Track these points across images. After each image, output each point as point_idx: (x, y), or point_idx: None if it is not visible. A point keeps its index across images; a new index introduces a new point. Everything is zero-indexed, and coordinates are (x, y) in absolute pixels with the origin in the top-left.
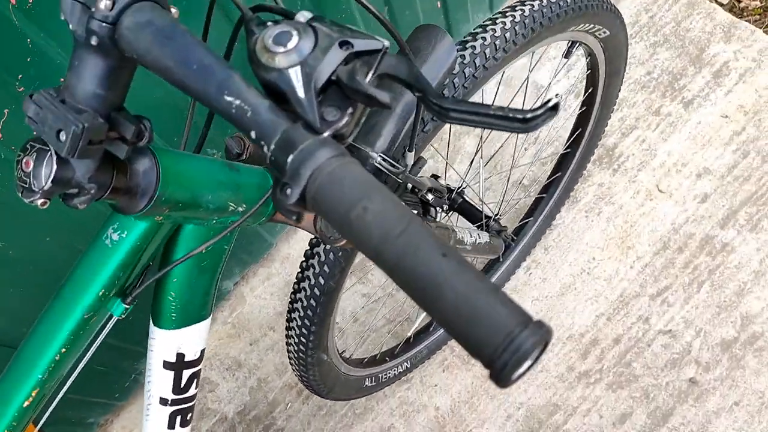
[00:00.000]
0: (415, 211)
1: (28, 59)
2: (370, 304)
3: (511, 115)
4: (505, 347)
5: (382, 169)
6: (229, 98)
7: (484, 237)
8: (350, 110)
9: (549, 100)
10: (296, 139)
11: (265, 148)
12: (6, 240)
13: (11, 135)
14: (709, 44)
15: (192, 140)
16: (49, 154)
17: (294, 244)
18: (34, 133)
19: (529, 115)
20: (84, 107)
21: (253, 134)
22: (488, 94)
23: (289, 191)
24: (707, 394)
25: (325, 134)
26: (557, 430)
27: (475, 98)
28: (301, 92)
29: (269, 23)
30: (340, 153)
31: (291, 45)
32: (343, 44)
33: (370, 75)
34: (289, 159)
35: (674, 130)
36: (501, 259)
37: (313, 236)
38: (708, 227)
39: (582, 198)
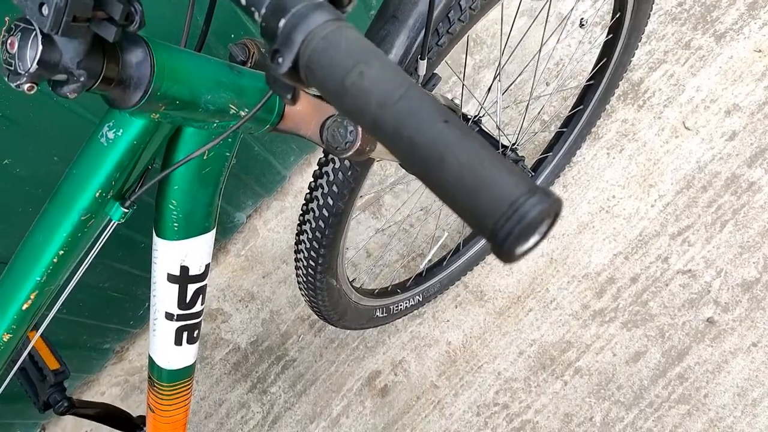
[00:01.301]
0: None
1: None
2: (383, 239)
3: None
4: (509, 216)
5: None
6: None
7: None
8: None
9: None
10: (288, 2)
11: (256, 15)
12: (14, 157)
13: None
14: None
15: (192, 42)
16: (34, 33)
17: (308, 178)
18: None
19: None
20: None
21: (243, 0)
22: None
23: (280, 59)
24: (725, 334)
25: None
26: (569, 367)
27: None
28: None
29: None
30: (335, 17)
31: None
32: None
33: None
34: (281, 23)
35: (704, 65)
36: None
37: (323, 155)
38: (734, 166)
39: (604, 134)
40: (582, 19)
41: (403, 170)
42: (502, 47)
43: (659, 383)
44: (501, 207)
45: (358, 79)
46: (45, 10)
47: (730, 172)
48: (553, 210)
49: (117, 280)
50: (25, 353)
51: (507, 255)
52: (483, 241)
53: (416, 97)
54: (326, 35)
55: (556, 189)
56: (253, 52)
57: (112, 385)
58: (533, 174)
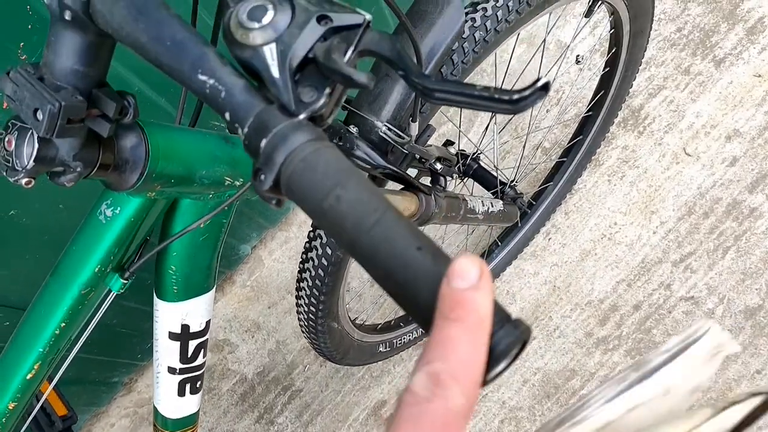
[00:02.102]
0: (426, 180)
1: (29, 26)
2: None
3: (497, 96)
4: None
5: (387, 138)
6: (203, 77)
7: (498, 205)
8: (328, 91)
9: (538, 80)
10: (270, 122)
11: (240, 131)
12: (20, 207)
13: None
14: None
15: (187, 115)
16: (30, 132)
17: None
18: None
19: (516, 96)
20: (63, 84)
21: (227, 116)
22: (506, 54)
23: (263, 177)
24: (728, 361)
25: (301, 116)
26: (574, 395)
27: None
28: (275, 72)
29: None
30: (315, 137)
31: (266, 20)
32: (321, 19)
33: (349, 52)
34: (263, 143)
35: (704, 90)
36: (519, 224)
37: None
38: (736, 192)
39: (605, 161)
40: (578, 55)
41: None
42: (503, 77)
43: None
44: None
45: (335, 202)
46: (39, 115)
47: (731, 198)
48: (520, 340)
49: (124, 317)
50: (38, 406)
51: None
52: None
53: (391, 223)
54: (305, 157)
55: (558, 217)
56: None
57: (121, 416)
58: (533, 203)
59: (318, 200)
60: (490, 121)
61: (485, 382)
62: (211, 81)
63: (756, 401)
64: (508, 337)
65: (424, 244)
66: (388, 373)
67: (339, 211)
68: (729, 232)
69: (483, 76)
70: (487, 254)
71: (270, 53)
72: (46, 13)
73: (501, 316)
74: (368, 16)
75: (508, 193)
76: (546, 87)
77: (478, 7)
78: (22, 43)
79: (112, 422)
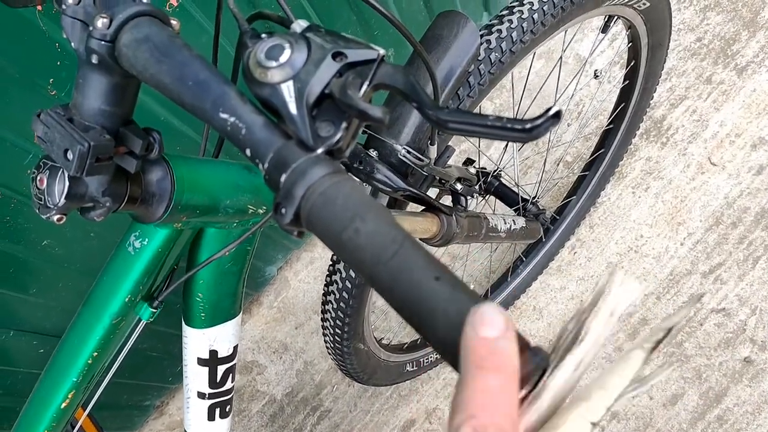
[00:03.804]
0: (447, 201)
1: (58, 63)
2: None
3: (509, 125)
4: None
5: (407, 161)
6: (224, 115)
7: (520, 222)
8: (344, 125)
9: (549, 109)
10: (289, 158)
11: (260, 167)
12: (51, 238)
13: None
14: (764, 6)
15: (211, 146)
16: (61, 170)
17: None
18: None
19: (528, 125)
20: (91, 124)
21: (248, 152)
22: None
23: (284, 211)
24: (763, 373)
25: (319, 151)
26: (606, 412)
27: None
28: (293, 108)
29: (264, 35)
30: (333, 171)
31: (283, 59)
32: (336, 55)
33: (364, 87)
34: (282, 179)
35: (727, 99)
36: (544, 239)
37: None
38: (764, 200)
39: (628, 173)
40: (597, 70)
41: None
42: (517, 106)
43: (698, 426)
44: None
45: (354, 235)
46: (69, 155)
47: (759, 207)
48: (540, 368)
49: (155, 341)
50: (78, 425)
51: None
52: (510, 288)
53: (409, 254)
54: (324, 191)
55: (583, 231)
56: None
57: None
58: (557, 218)
59: (337, 233)
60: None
61: None
62: (232, 119)
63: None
64: (528, 365)
65: (442, 274)
66: (416, 392)
67: (358, 243)
68: (758, 242)
69: (502, 91)
70: (512, 270)
71: (287, 90)
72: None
73: (521, 344)
74: (382, 51)
75: (530, 210)
76: (558, 115)
77: (493, 29)
78: (51, 79)
79: None
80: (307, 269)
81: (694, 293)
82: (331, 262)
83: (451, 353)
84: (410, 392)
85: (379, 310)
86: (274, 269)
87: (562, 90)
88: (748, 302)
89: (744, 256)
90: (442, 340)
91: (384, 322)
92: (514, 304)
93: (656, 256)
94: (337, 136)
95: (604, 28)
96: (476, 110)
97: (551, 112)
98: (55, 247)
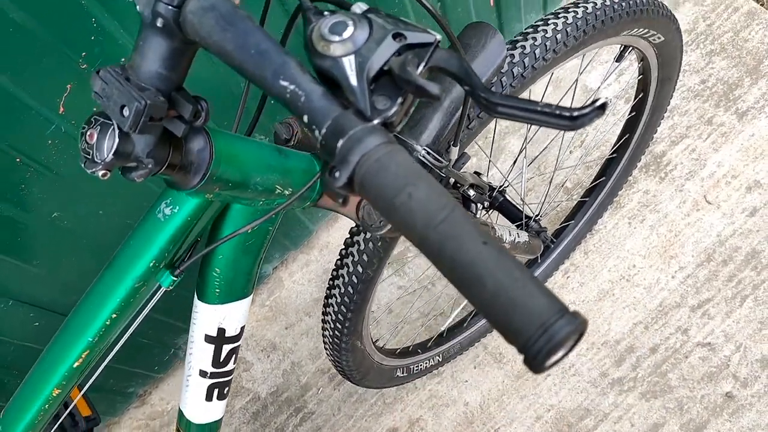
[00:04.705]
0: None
1: (93, 38)
2: (405, 296)
3: (558, 112)
4: (539, 336)
5: (426, 162)
6: (284, 83)
7: (523, 237)
8: (400, 100)
9: (597, 100)
10: (346, 125)
11: (317, 132)
12: (62, 210)
13: (73, 110)
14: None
15: (243, 125)
16: (111, 128)
17: (333, 233)
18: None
19: (576, 113)
20: (146, 85)
21: (305, 118)
22: (536, 95)
23: (337, 174)
24: (743, 410)
25: (375, 122)
26: None
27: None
28: (353, 80)
29: (326, 13)
30: (388, 140)
31: (346, 35)
32: (397, 36)
33: (421, 67)
34: (339, 144)
35: (726, 141)
36: (539, 260)
37: (354, 224)
38: (755, 241)
39: (626, 204)
40: (606, 98)
41: None
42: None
43: None
44: (532, 327)
45: (406, 199)
46: (126, 111)
47: (750, 248)
48: (579, 330)
49: (146, 327)
50: (71, 407)
51: (537, 368)
52: None
53: (459, 220)
54: (379, 158)
55: (577, 256)
56: (297, 131)
57: (133, 428)
58: (554, 240)
59: (390, 197)
60: (519, 154)
61: (543, 370)
62: (292, 87)
63: None
64: (567, 327)
65: (489, 240)
66: (401, 400)
67: (410, 207)
68: (747, 281)
69: None
70: None
71: (349, 64)
72: (111, 27)
73: (560, 307)
74: (438, 36)
75: (532, 227)
76: (604, 107)
77: (518, 45)
78: (84, 53)
79: None
80: (303, 271)
81: (681, 326)
82: (339, 256)
83: (496, 314)
84: (395, 400)
85: (370, 317)
86: (270, 268)
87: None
88: (734, 339)
89: (732, 293)
90: (488, 301)
91: (375, 329)
92: None
93: (647, 287)
94: (393, 110)
95: (619, 57)
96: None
97: (597, 104)
98: (64, 221)
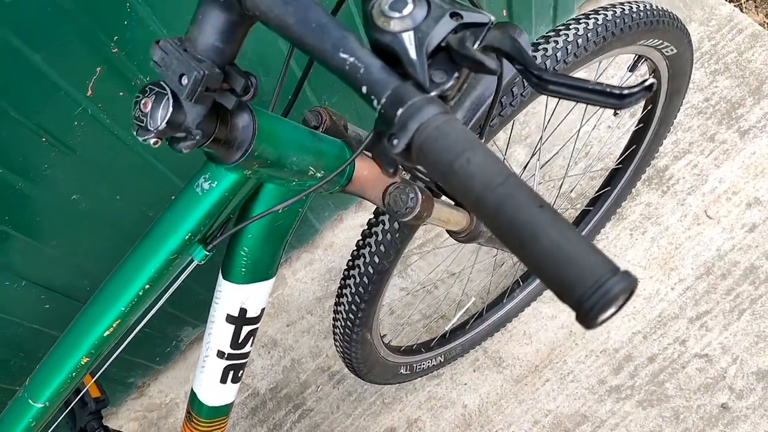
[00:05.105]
0: None
1: (126, 22)
2: (407, 298)
3: (608, 90)
4: (594, 291)
5: None
6: (344, 55)
7: None
8: (456, 74)
9: (645, 80)
10: (406, 96)
11: (375, 102)
12: (81, 193)
13: (100, 93)
14: None
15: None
16: (166, 97)
17: (338, 233)
18: (148, 79)
19: (625, 92)
20: (203, 58)
21: (364, 89)
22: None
23: (395, 141)
24: (738, 421)
25: (432, 93)
26: None
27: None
28: (413, 54)
29: None
30: (445, 111)
31: (406, 12)
32: (454, 15)
33: (476, 44)
34: (399, 112)
35: (727, 158)
36: None
37: (373, 215)
38: (754, 257)
39: (628, 216)
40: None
41: (432, 234)
42: (545, 124)
43: None
44: (587, 282)
45: (465, 163)
46: (185, 80)
47: (749, 263)
48: (630, 287)
49: (152, 317)
50: (83, 393)
51: (589, 323)
52: (505, 309)
53: (515, 184)
54: (438, 125)
55: None
56: (325, 119)
57: (130, 419)
58: None
59: (449, 162)
60: (531, 157)
61: (595, 325)
62: (352, 59)
63: None
64: (621, 283)
65: (544, 203)
66: (399, 401)
67: (469, 171)
68: (745, 295)
69: (515, 123)
70: (509, 292)
71: (408, 39)
72: (144, 13)
73: (613, 266)
74: (492, 17)
75: None
76: (650, 87)
77: (539, 47)
78: (116, 37)
79: (121, 424)
80: (306, 269)
81: (679, 337)
82: (356, 247)
83: (550, 271)
84: (394, 400)
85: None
86: None
87: (576, 129)
88: (731, 351)
89: (730, 306)
90: (543, 259)
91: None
92: (506, 326)
93: (647, 297)
94: (449, 83)
95: (632, 68)
96: (511, 122)
97: (646, 83)
98: (83, 203)
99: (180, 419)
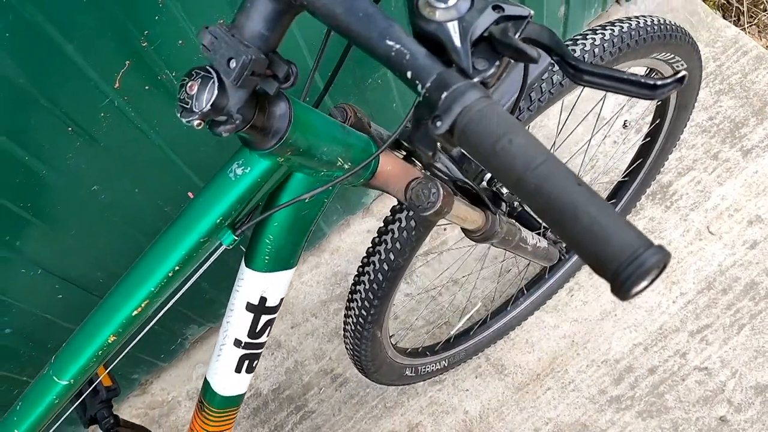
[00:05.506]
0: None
1: (156, 17)
2: (411, 304)
3: (642, 80)
4: (630, 262)
5: (466, 154)
6: (390, 43)
7: (543, 243)
8: (497, 63)
9: (678, 71)
10: (450, 81)
11: (419, 87)
12: (102, 183)
13: (128, 86)
14: None
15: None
16: (211, 81)
17: (345, 238)
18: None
19: (659, 82)
20: (249, 44)
21: (408, 74)
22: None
23: (439, 123)
24: None
25: (475, 80)
26: None
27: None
28: (458, 42)
29: None
30: (487, 95)
31: (451, 2)
32: (496, 7)
33: (517, 35)
34: (443, 96)
35: (730, 176)
36: (547, 276)
37: (390, 212)
38: (754, 273)
39: None
40: (626, 120)
41: (438, 241)
42: (558, 129)
43: None
44: (624, 254)
45: (507, 144)
46: (233, 63)
47: (749, 279)
48: (664, 261)
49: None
50: (98, 380)
51: (624, 294)
52: (508, 317)
53: (555, 164)
54: (481, 109)
55: (582, 275)
56: (351, 116)
57: (132, 416)
58: (563, 258)
59: (491, 143)
60: None
61: (630, 296)
62: (397, 46)
63: None
64: (655, 256)
65: (582, 182)
66: (401, 405)
67: (510, 151)
68: (745, 310)
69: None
70: (512, 300)
71: (453, 28)
72: (175, 9)
73: (647, 241)
74: (532, 12)
75: (549, 237)
76: (682, 79)
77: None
78: (147, 32)
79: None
80: (312, 272)
81: (679, 349)
82: (371, 244)
83: (587, 245)
84: (395, 404)
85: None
86: None
87: (584, 143)
88: (730, 365)
89: (730, 321)
90: (582, 234)
91: None
92: (508, 334)
93: (648, 309)
94: (491, 71)
95: None
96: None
97: (678, 76)
98: (102, 194)
99: (181, 418)
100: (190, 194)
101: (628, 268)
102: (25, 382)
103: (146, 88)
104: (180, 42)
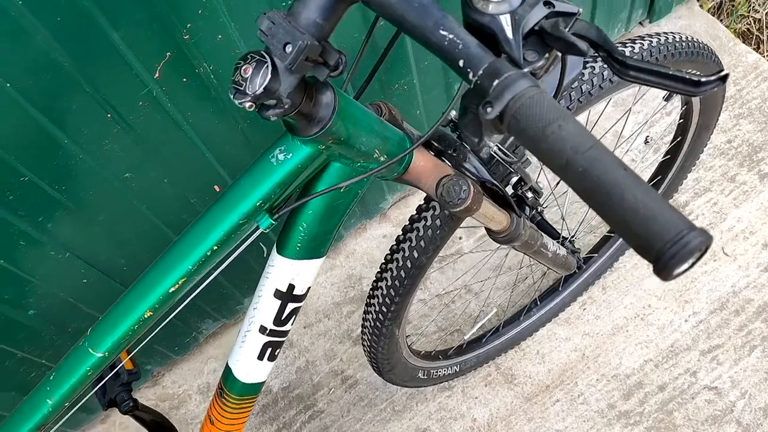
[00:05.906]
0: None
1: (200, 11)
2: (424, 309)
3: (687, 77)
4: (674, 242)
5: (496, 156)
6: (444, 32)
7: (563, 251)
8: (547, 55)
9: (721, 70)
10: (502, 69)
11: (471, 75)
12: (134, 171)
13: (167, 77)
14: None
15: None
16: (265, 65)
17: (361, 242)
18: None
19: (703, 79)
20: (304, 32)
21: (461, 63)
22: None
23: (489, 109)
24: None
25: (525, 70)
26: None
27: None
28: (510, 34)
29: None
30: (537, 85)
31: None
32: (547, 3)
33: (567, 30)
34: (495, 83)
35: (747, 199)
36: (560, 289)
37: (416, 209)
38: (767, 296)
39: None
40: (647, 136)
41: (453, 249)
42: None
43: None
44: (668, 234)
45: (557, 129)
46: (289, 48)
47: (762, 301)
48: (707, 243)
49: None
50: (121, 365)
51: (667, 273)
52: (520, 327)
53: (603, 149)
54: (532, 96)
55: (595, 290)
56: (385, 112)
57: None
58: (577, 271)
59: (542, 127)
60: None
61: (672, 277)
62: (451, 36)
63: None
64: (699, 237)
65: (628, 167)
66: (410, 409)
67: (560, 136)
68: (757, 332)
69: None
70: (526, 311)
71: (505, 20)
72: (218, 5)
73: (690, 224)
74: (580, 9)
75: (567, 246)
76: (725, 77)
77: (587, 65)
78: (189, 24)
79: None
80: (326, 274)
81: (690, 368)
82: (396, 241)
83: (632, 226)
84: (404, 408)
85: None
86: None
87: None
88: (740, 386)
89: (742, 342)
90: (627, 215)
91: None
92: (520, 345)
93: (660, 327)
94: (541, 62)
95: (668, 97)
96: None
97: (721, 74)
98: (134, 182)
99: (191, 412)
100: (216, 187)
101: (672, 248)
102: (44, 366)
103: (184, 80)
104: (219, 37)
